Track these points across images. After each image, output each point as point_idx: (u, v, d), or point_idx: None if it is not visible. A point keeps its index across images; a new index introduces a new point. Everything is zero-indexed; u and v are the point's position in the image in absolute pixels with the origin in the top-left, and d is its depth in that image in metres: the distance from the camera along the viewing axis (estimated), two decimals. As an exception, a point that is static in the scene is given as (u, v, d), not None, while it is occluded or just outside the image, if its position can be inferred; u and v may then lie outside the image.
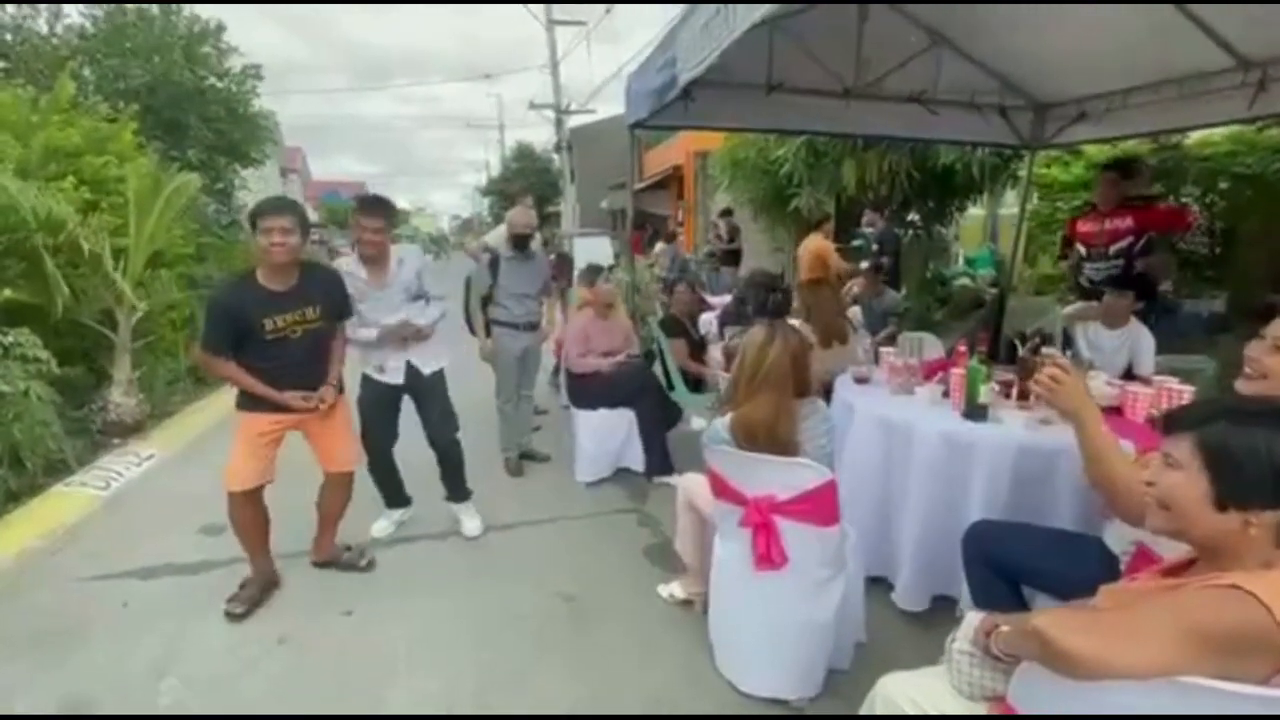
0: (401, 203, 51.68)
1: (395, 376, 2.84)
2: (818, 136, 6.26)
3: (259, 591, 2.52)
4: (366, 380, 2.87)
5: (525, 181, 23.64)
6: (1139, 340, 3.09)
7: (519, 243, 3.80)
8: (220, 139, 8.05)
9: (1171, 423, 1.10)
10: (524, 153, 25.74)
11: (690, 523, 2.35)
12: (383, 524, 3.08)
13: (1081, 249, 4.01)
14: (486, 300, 3.73)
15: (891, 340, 3.80)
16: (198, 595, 2.60)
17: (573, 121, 18.83)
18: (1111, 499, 1.41)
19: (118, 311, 4.55)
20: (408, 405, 2.95)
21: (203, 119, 7.79)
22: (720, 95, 3.42)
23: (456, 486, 3.08)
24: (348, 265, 2.76)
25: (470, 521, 3.07)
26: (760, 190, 8.35)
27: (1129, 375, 2.91)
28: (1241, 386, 1.49)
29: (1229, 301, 5.30)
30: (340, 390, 2.61)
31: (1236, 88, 3.08)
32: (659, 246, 9.61)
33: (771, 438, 1.87)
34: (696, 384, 4.03)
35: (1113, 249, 3.85)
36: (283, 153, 23.43)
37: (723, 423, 1.96)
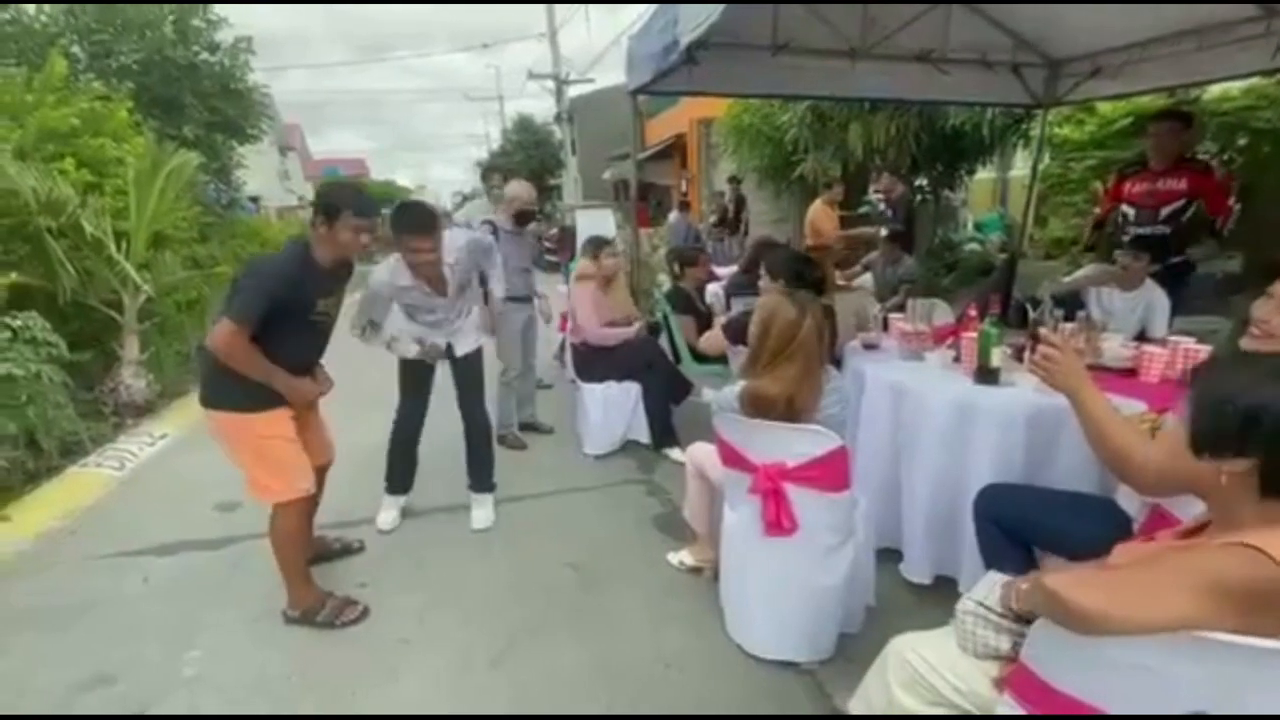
0: (403, 179, 51.17)
1: (431, 356, 2.73)
2: (824, 101, 6.11)
3: (343, 603, 2.31)
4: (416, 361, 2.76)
5: (525, 154, 23.31)
6: (1154, 302, 3.04)
7: (523, 219, 3.76)
8: (215, 115, 7.95)
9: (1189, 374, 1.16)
10: (524, 125, 25.29)
11: (699, 491, 2.36)
12: (391, 515, 2.97)
13: (1129, 211, 3.56)
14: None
15: (901, 307, 3.76)
16: (217, 570, 2.65)
17: (573, 91, 18.49)
18: (1122, 471, 1.37)
19: (123, 293, 4.56)
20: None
21: (196, 95, 7.68)
22: (724, 58, 3.33)
23: (482, 473, 2.97)
24: (399, 278, 2.51)
25: (481, 513, 2.94)
26: (765, 157, 8.21)
27: (1142, 338, 2.87)
28: (1246, 344, 1.46)
29: (1245, 261, 5.20)
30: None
31: (1259, 36, 2.98)
32: (673, 216, 9.46)
33: (785, 409, 1.85)
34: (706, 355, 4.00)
35: (1163, 212, 3.42)
36: (280, 129, 23.18)
37: (732, 391, 1.95)
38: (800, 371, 1.86)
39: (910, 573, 2.35)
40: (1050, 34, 3.81)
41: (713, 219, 10.39)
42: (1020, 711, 1.10)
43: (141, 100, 6.45)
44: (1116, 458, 1.34)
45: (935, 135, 6.15)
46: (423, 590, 2.47)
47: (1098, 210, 4.00)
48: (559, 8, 17.28)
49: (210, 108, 7.88)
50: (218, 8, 8.02)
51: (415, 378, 2.81)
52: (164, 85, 7.41)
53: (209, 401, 2.12)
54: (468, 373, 2.85)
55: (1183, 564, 0.97)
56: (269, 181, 17.83)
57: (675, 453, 3.51)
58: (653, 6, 3.11)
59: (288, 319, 2.05)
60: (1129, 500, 1.69)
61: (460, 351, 2.81)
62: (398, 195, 39.08)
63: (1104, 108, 5.73)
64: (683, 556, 2.55)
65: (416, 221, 2.44)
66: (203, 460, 3.75)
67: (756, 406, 1.89)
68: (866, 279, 5.41)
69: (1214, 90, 5.28)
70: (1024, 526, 1.76)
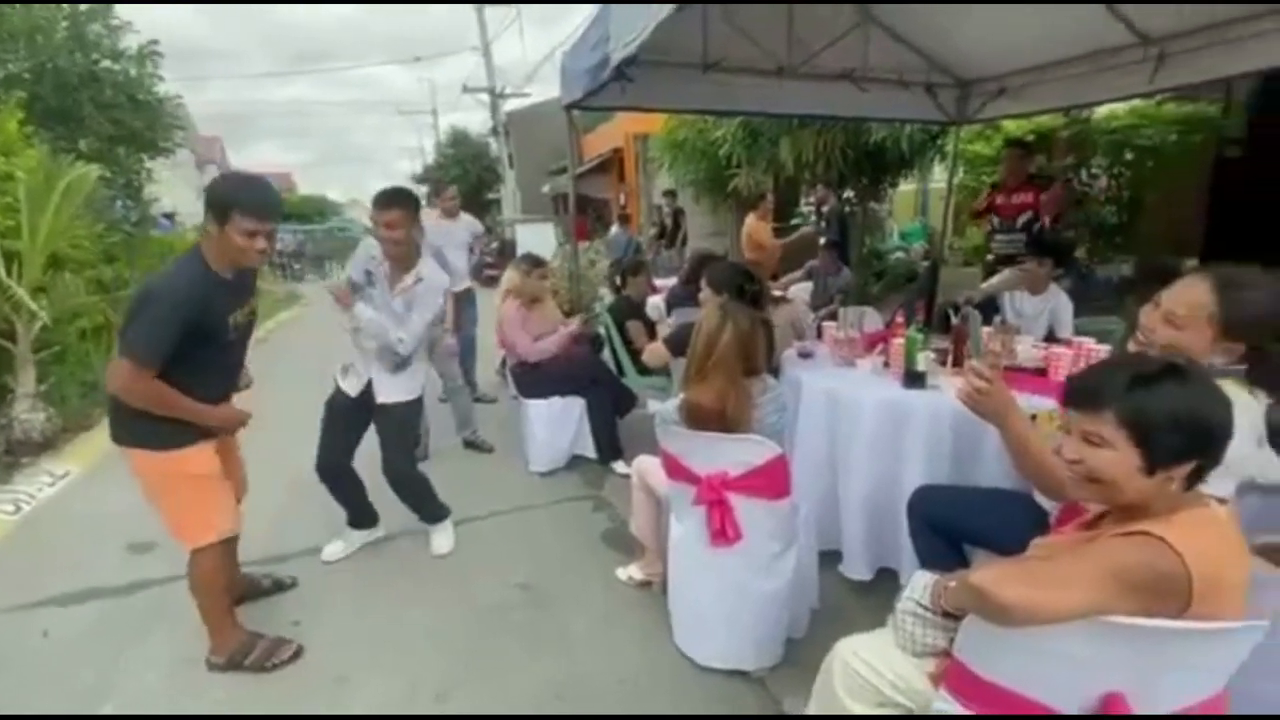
0: (334, 193, 49.21)
1: (352, 386, 2.57)
2: (755, 116, 6.31)
3: (273, 644, 2.16)
4: (336, 384, 2.63)
5: (461, 168, 22.87)
6: (1059, 305, 3.28)
7: None
8: (119, 128, 7.40)
9: (1084, 398, 1.10)
10: (459, 138, 24.81)
11: (645, 504, 2.37)
12: (338, 546, 2.80)
13: (995, 221, 4.38)
14: None
15: (834, 316, 3.90)
16: (130, 618, 2.44)
17: (510, 105, 18.36)
18: (1042, 485, 1.49)
19: (16, 320, 4.17)
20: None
21: (97, 106, 7.13)
22: (656, 75, 3.39)
23: (421, 510, 2.84)
24: (374, 249, 2.56)
25: (439, 539, 2.84)
26: (700, 171, 8.38)
27: (1050, 338, 3.09)
28: (1133, 349, 1.56)
29: (1136, 266, 5.70)
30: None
31: (1139, 63, 3.28)
32: (614, 229, 9.48)
33: (721, 419, 1.89)
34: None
35: (1019, 222, 4.24)
36: (198, 142, 21.87)
37: (674, 404, 1.98)
38: (724, 380, 1.90)
39: (850, 571, 2.43)
40: (959, 55, 4.07)
41: (653, 232, 10.50)
42: (955, 705, 1.15)
43: (34, 111, 5.94)
44: (1037, 471, 1.46)
45: (859, 149, 6.44)
46: (362, 623, 2.36)
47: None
48: (491, 23, 17.09)
49: (113, 120, 7.33)
50: (120, 13, 7.50)
51: (331, 414, 2.65)
52: (58, 95, 6.85)
53: (119, 439, 1.90)
54: (385, 424, 2.64)
55: (1090, 555, 1.05)
56: (186, 197, 16.73)
57: (620, 466, 3.51)
58: (587, 20, 3.13)
59: (202, 346, 1.83)
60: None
61: (381, 399, 2.58)
62: (329, 210, 37.57)
63: (1009, 126, 6.16)
64: (631, 571, 2.54)
65: (381, 196, 2.50)
66: (111, 498, 3.47)
67: (694, 417, 1.92)
68: (807, 286, 5.59)
69: (1102, 110, 5.78)
70: (954, 526, 1.85)
